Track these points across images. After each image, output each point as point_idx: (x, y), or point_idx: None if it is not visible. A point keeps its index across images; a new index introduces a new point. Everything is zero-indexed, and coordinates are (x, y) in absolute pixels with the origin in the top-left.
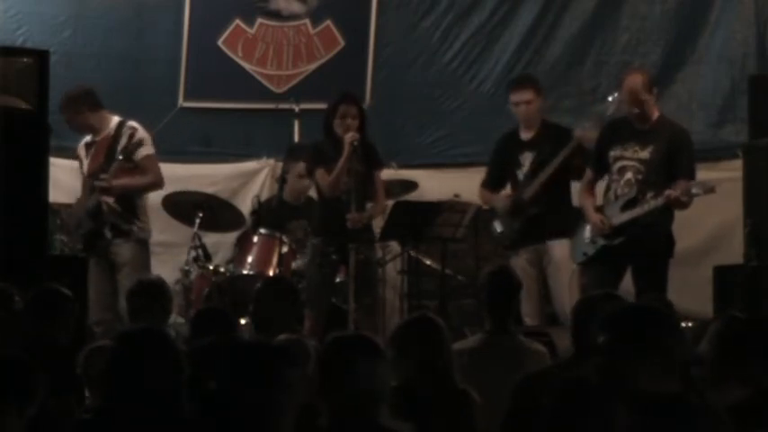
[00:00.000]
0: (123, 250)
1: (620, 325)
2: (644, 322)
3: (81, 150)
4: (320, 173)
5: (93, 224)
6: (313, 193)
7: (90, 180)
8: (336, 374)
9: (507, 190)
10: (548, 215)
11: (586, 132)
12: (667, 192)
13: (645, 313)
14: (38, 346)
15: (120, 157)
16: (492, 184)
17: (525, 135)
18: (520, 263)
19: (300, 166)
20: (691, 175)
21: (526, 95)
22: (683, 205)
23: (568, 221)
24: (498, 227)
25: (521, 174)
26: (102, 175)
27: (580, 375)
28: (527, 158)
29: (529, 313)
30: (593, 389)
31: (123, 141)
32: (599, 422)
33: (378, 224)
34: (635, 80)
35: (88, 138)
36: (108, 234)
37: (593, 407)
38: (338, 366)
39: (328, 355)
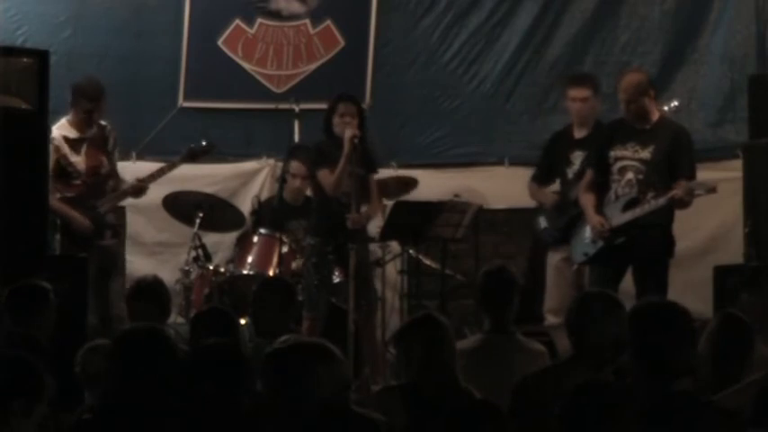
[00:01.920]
0: (121, 251)
1: (642, 324)
2: (664, 321)
3: (61, 143)
4: (323, 173)
5: (106, 225)
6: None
7: (90, 179)
8: (290, 383)
9: (556, 186)
10: None
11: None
12: (671, 192)
13: (664, 312)
14: (22, 345)
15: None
16: (541, 179)
17: (578, 134)
18: (555, 260)
19: (294, 166)
20: (692, 175)
21: (583, 93)
22: (685, 205)
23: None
24: (543, 222)
25: (570, 172)
26: (141, 177)
27: (594, 378)
28: (578, 157)
29: (552, 310)
30: (606, 390)
31: (111, 142)
32: (612, 423)
33: (377, 224)
34: (628, 80)
35: (67, 132)
36: (108, 235)
37: (608, 408)
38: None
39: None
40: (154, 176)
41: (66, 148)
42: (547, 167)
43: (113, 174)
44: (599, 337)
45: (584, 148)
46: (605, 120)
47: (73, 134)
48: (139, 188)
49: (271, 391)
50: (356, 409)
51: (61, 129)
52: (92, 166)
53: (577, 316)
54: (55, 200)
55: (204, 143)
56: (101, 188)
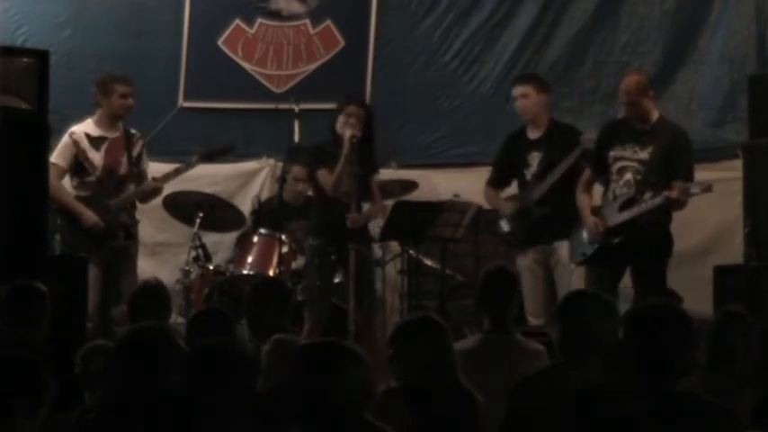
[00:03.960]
0: (134, 252)
1: (640, 324)
2: (663, 322)
3: (81, 138)
4: (322, 173)
5: (118, 223)
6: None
7: (105, 177)
8: (318, 382)
9: (513, 188)
10: (555, 217)
11: (593, 136)
12: (666, 193)
13: (663, 313)
14: (16, 346)
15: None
16: (498, 182)
17: (533, 134)
18: (526, 262)
19: (296, 170)
20: (689, 178)
21: (522, 89)
22: (681, 205)
23: (574, 223)
24: (505, 226)
25: (528, 173)
26: (156, 177)
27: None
28: (535, 158)
29: (534, 313)
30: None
31: (138, 149)
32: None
33: (377, 224)
34: (628, 81)
35: (90, 129)
36: (120, 236)
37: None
38: (320, 374)
39: (305, 363)
40: (169, 177)
41: (85, 143)
42: (505, 170)
43: (137, 179)
44: (595, 338)
45: (540, 148)
46: (605, 120)
47: (96, 132)
48: (153, 188)
49: (290, 387)
50: (369, 418)
51: (84, 126)
52: (108, 164)
53: (572, 317)
54: (68, 196)
55: (222, 144)
56: (117, 189)
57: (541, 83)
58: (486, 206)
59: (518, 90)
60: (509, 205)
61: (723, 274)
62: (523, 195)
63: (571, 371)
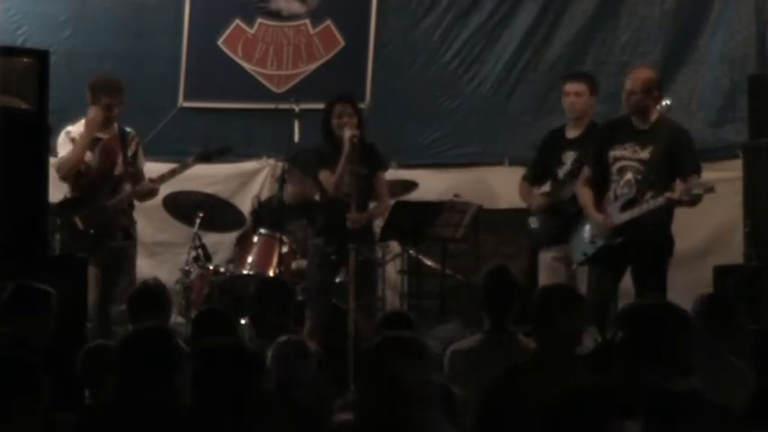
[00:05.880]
0: (133, 252)
1: (639, 323)
2: (662, 321)
3: (76, 140)
4: (324, 175)
5: (115, 224)
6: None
7: (100, 179)
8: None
9: (546, 186)
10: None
11: None
12: (667, 194)
13: (663, 312)
14: (12, 345)
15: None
16: (533, 178)
17: (571, 133)
18: (547, 259)
19: (300, 175)
20: (697, 171)
21: (577, 87)
22: (688, 204)
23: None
24: (533, 223)
25: (561, 172)
26: (153, 178)
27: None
28: (569, 157)
29: None
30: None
31: (133, 148)
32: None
33: (378, 224)
34: (639, 73)
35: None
36: (119, 236)
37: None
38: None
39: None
40: (165, 177)
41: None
42: (540, 167)
43: (134, 178)
44: (565, 334)
45: (576, 148)
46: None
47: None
48: (150, 189)
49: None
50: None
51: (79, 127)
52: (103, 165)
53: (542, 313)
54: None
55: (219, 145)
56: (113, 190)
57: (595, 83)
58: (486, 206)
59: (572, 87)
60: (539, 201)
61: (723, 274)
62: (555, 193)
63: (539, 368)
